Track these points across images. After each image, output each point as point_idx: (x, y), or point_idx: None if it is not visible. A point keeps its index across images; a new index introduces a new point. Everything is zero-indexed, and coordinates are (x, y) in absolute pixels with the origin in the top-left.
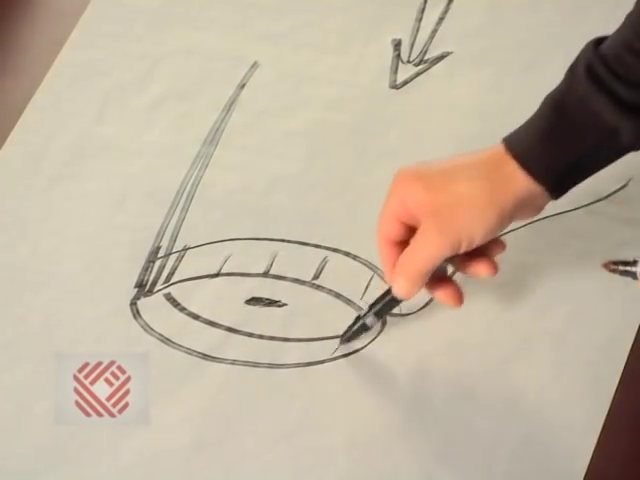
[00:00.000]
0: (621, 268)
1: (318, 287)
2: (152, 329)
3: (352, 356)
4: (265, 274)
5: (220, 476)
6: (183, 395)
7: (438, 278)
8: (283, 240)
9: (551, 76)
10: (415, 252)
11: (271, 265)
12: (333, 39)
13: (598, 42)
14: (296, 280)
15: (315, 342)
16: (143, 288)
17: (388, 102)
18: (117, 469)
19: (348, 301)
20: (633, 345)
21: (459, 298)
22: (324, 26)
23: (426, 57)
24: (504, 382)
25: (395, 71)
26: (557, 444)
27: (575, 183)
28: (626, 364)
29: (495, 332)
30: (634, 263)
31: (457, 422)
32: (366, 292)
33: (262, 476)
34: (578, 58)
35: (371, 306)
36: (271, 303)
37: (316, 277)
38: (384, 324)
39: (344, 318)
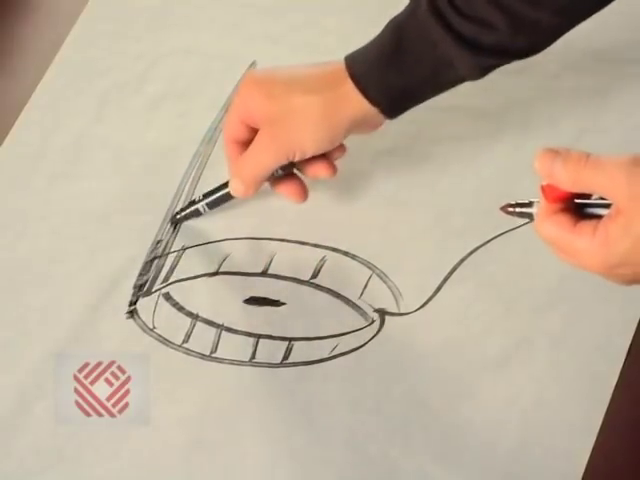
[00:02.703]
0: (517, 210)
1: (317, 286)
2: (151, 329)
3: (351, 355)
4: (264, 273)
5: (219, 476)
6: (182, 395)
7: (283, 175)
8: (282, 239)
9: (550, 74)
10: (250, 158)
11: (270, 264)
12: (331, 39)
13: None
14: (295, 279)
15: (314, 341)
16: (142, 288)
17: None
18: (117, 469)
19: (347, 300)
20: (631, 345)
21: (302, 193)
22: (322, 26)
23: None
24: (503, 382)
25: None
26: (555, 443)
27: (410, 106)
28: (624, 363)
29: (494, 332)
30: (529, 204)
31: (456, 422)
32: (365, 291)
33: (261, 476)
34: None
35: (205, 195)
36: (270, 302)
37: (314, 276)
38: (383, 323)
39: (343, 317)
